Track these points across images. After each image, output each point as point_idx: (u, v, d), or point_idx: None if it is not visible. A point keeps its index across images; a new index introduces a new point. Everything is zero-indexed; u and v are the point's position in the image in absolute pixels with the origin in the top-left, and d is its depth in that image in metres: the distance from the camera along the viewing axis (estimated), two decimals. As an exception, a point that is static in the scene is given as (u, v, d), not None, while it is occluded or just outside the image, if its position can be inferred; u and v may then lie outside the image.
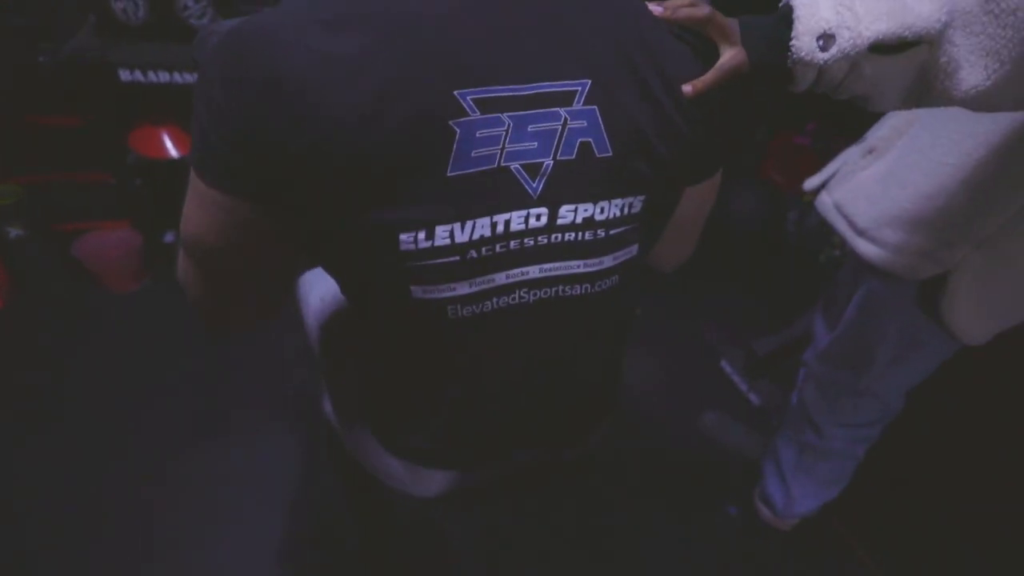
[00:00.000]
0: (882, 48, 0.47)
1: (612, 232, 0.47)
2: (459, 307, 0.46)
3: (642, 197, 0.47)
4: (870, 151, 0.88)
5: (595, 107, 0.42)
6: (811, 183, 0.98)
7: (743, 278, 2.09)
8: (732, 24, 0.48)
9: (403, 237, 0.41)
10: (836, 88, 0.51)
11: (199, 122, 0.40)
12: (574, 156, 0.43)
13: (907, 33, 0.45)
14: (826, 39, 0.46)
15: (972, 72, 0.46)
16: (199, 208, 0.44)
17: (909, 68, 0.48)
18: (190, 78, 1.33)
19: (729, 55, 0.46)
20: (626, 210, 0.47)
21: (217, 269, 0.47)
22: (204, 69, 0.40)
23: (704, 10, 0.47)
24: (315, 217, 0.42)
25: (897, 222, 0.79)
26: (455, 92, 0.38)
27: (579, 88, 0.41)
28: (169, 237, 1.73)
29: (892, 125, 0.87)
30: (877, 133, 0.90)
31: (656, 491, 1.35)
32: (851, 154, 0.93)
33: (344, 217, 0.41)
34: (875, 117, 0.92)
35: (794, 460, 1.12)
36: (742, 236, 2.17)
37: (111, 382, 1.37)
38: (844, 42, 0.45)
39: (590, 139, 0.43)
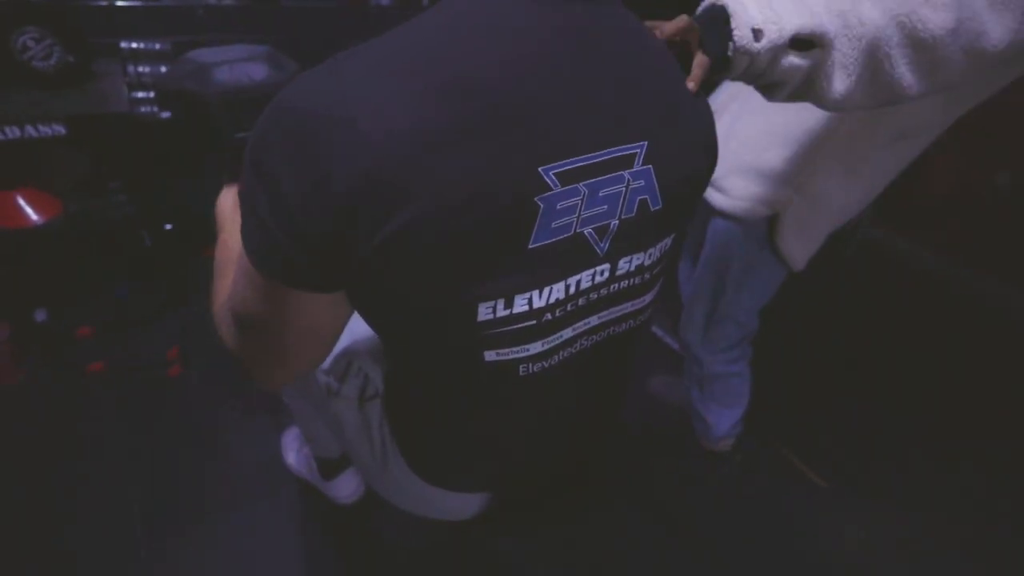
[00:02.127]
0: (796, 44, 0.57)
1: (655, 271, 0.51)
2: (530, 365, 0.47)
3: (673, 235, 0.51)
4: None
5: (651, 166, 0.44)
6: None
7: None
8: (698, 27, 0.57)
9: (482, 308, 0.41)
10: (758, 76, 0.61)
11: (255, 208, 0.37)
12: (634, 214, 0.45)
13: (816, 30, 0.56)
14: (757, 32, 0.56)
15: (838, 80, 0.59)
16: (253, 292, 0.41)
17: (807, 66, 0.59)
18: (47, 130, 1.14)
19: (700, 55, 0.55)
20: (663, 250, 0.50)
21: (272, 339, 0.45)
22: (264, 149, 0.36)
23: (683, 19, 0.55)
24: (387, 297, 0.40)
25: (738, 172, 0.94)
26: (539, 168, 0.38)
27: (638, 150, 0.43)
28: (40, 315, 1.47)
29: (728, 92, 1.02)
30: (716, 99, 1.04)
31: (626, 454, 1.45)
32: None
33: (420, 295, 0.39)
34: (711, 90, 1.07)
35: (698, 393, 1.30)
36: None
37: (23, 497, 1.15)
38: (772, 34, 0.56)
39: (647, 196, 0.45)
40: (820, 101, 0.62)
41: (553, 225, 0.40)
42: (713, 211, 1.02)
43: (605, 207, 0.43)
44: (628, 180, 0.43)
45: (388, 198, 0.34)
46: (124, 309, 1.52)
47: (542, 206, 0.39)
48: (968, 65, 0.58)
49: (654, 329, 1.88)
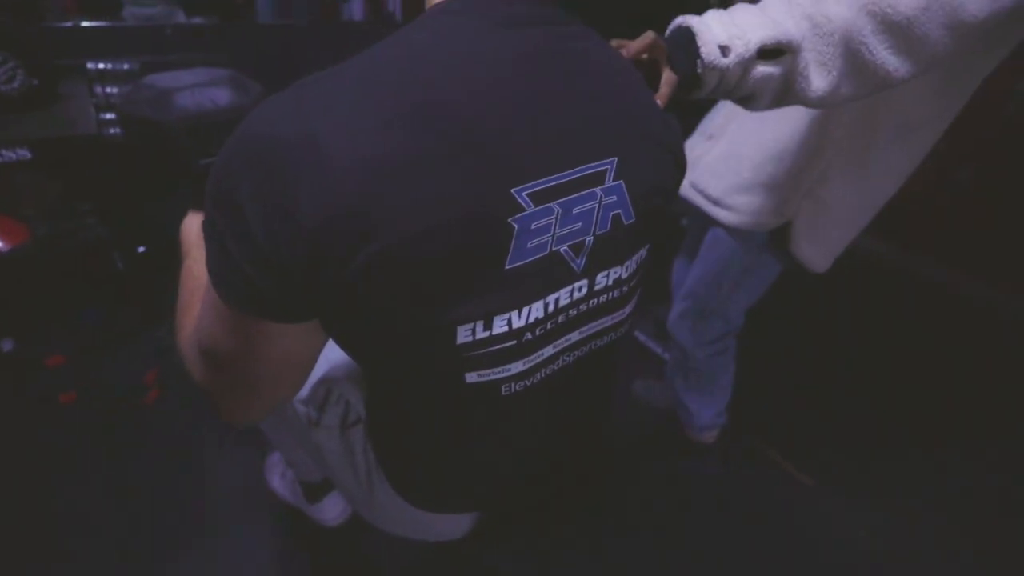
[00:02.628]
0: (764, 54, 0.59)
1: (632, 283, 0.51)
2: (512, 384, 0.46)
3: (648, 245, 0.51)
4: (709, 137, 1.07)
5: (622, 181, 0.44)
6: None
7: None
8: (664, 45, 0.57)
9: (461, 330, 0.40)
10: (731, 90, 0.62)
11: (220, 238, 0.36)
12: (608, 229, 0.45)
13: (781, 38, 0.58)
14: (724, 49, 0.57)
15: (818, 78, 0.60)
16: (221, 324, 0.40)
17: (779, 73, 0.60)
18: (11, 155, 1.11)
19: (668, 72, 0.56)
20: (639, 261, 0.51)
21: (243, 373, 0.43)
22: (228, 178, 0.35)
23: (648, 36, 0.56)
24: (364, 325, 0.39)
25: (743, 189, 0.97)
26: (512, 190, 0.38)
27: (608, 166, 0.43)
28: (7, 345, 1.43)
29: (724, 114, 1.05)
30: (713, 122, 1.08)
31: (614, 461, 1.45)
32: (695, 142, 1.12)
33: (397, 321, 0.39)
34: (705, 111, 1.11)
35: (682, 383, 1.33)
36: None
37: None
38: (739, 48, 0.57)
39: (620, 211, 0.45)
40: (804, 102, 0.64)
41: (529, 245, 0.40)
42: (719, 225, 1.04)
43: (579, 224, 0.43)
44: (600, 196, 0.43)
45: (360, 226, 0.34)
46: (97, 334, 1.48)
47: (516, 227, 0.39)
48: (951, 39, 0.59)
49: (638, 334, 1.89)
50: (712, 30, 0.58)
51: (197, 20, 2.17)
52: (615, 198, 0.44)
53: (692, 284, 1.17)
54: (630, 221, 0.46)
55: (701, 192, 1.04)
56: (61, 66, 1.26)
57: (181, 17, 2.18)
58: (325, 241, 0.34)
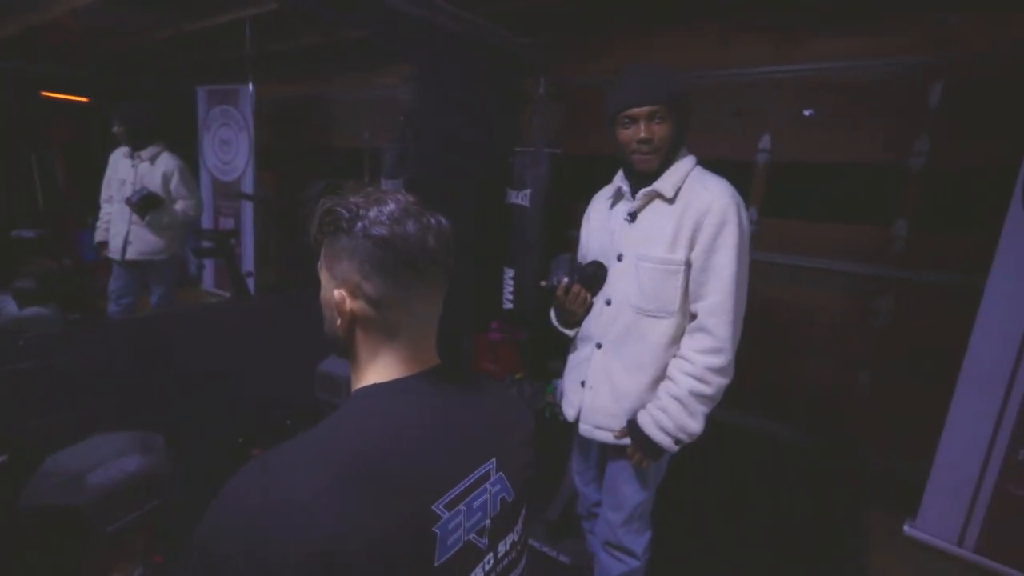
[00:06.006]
0: None
1: (523, 539, 0.67)
2: None
3: (525, 504, 0.68)
4: (590, 387, 1.40)
5: (502, 473, 0.62)
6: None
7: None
8: None
9: None
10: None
11: None
12: (499, 510, 0.61)
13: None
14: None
15: None
16: None
17: None
18: None
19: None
20: (523, 519, 0.67)
21: None
22: (218, 541, 0.45)
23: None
24: None
25: (604, 429, 1.32)
26: (432, 506, 0.53)
27: (490, 467, 0.61)
28: None
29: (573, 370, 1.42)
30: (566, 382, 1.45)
31: None
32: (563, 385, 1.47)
33: None
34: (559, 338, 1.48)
35: None
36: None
37: None
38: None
39: (504, 494, 0.62)
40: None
41: (449, 542, 0.54)
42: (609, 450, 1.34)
43: (480, 514, 0.59)
44: (488, 488, 0.60)
45: (327, 553, 0.45)
46: None
47: (439, 533, 0.53)
48: None
49: (532, 542, 1.95)
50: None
51: (30, 311, 2.09)
52: (499, 486, 0.62)
53: (624, 498, 1.35)
54: (512, 498, 0.63)
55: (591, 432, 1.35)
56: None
57: (12, 306, 2.09)
58: (303, 570, 0.45)
